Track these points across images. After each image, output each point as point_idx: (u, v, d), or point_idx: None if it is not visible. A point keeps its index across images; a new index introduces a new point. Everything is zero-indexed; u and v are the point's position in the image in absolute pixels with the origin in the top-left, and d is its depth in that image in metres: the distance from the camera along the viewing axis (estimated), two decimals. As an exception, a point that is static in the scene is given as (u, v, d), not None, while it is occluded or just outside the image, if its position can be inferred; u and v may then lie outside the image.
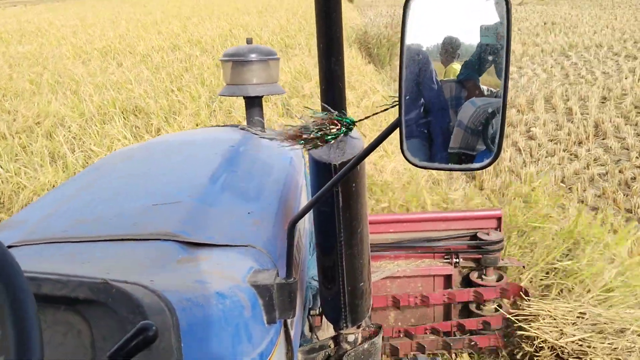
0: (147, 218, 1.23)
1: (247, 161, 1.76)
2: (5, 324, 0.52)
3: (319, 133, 1.00)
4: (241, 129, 2.16)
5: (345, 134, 1.03)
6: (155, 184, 1.50)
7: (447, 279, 3.13)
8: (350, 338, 1.50)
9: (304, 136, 1.00)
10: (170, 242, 1.11)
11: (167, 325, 0.74)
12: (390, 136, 1.05)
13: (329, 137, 1.01)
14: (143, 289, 0.79)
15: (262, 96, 2.20)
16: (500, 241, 3.02)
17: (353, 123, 1.04)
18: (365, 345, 1.49)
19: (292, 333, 1.26)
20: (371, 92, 8.15)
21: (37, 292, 0.72)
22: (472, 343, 3.04)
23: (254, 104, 2.20)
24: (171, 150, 1.89)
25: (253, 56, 2.10)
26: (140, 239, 1.12)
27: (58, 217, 1.28)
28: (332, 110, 1.02)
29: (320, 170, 1.25)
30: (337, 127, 1.01)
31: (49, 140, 6.38)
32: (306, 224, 1.85)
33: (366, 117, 1.09)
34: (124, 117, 7.18)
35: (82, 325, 0.77)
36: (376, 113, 1.04)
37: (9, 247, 1.10)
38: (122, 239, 1.12)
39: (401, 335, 3.07)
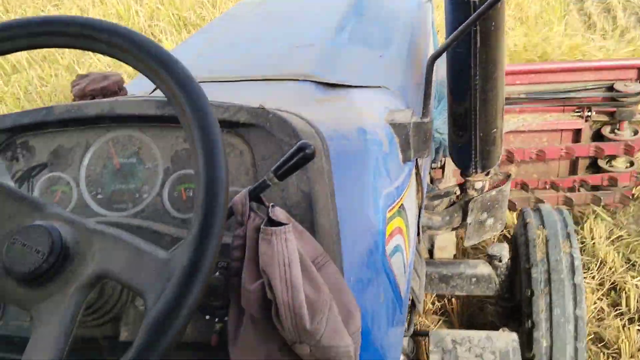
0: (284, 60, 1.28)
1: (374, 6, 1.73)
2: (194, 144, 0.58)
3: None
4: None
5: None
6: (289, 28, 1.54)
7: (576, 133, 2.96)
8: (478, 185, 1.50)
9: None
10: (307, 83, 1.15)
11: (319, 149, 0.80)
12: None
13: None
14: (295, 116, 0.84)
15: None
16: (639, 93, 2.76)
17: None
18: (493, 192, 1.50)
19: (422, 175, 1.29)
20: None
21: None
22: (595, 199, 2.93)
23: None
24: None
25: None
26: (280, 79, 1.16)
27: (204, 58, 1.36)
28: None
29: (458, 8, 1.18)
30: None
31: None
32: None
33: None
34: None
35: (243, 146, 0.84)
36: None
37: None
38: (263, 79, 1.18)
39: (519, 189, 3.03)
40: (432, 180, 2.00)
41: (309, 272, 0.71)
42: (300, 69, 1.20)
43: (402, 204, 1.07)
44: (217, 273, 0.77)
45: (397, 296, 1.04)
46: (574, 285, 1.58)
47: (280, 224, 0.70)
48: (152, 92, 1.21)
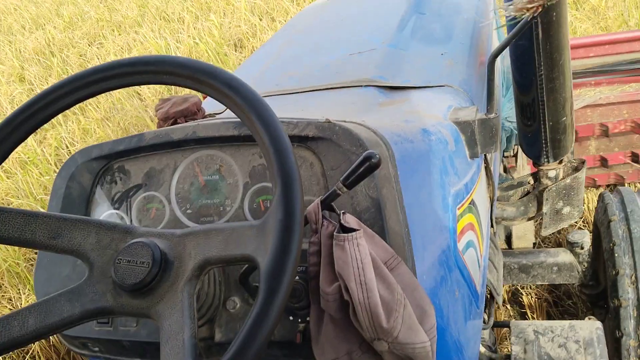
0: (347, 67, 1.32)
1: (434, 2, 1.72)
2: (270, 157, 0.65)
3: None
4: None
5: None
6: (349, 34, 1.56)
7: (659, 103, 2.80)
8: (551, 174, 1.48)
9: None
10: (370, 88, 1.19)
11: (384, 156, 0.84)
12: None
13: None
14: (360, 126, 0.89)
15: None
16: None
17: None
18: (568, 180, 1.47)
19: (492, 169, 1.30)
20: None
21: None
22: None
23: None
24: (359, 0, 1.90)
25: None
26: (343, 87, 1.21)
27: (270, 72, 1.43)
28: None
29: None
30: None
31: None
32: (498, 64, 1.79)
33: None
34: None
35: (313, 158, 0.90)
36: None
37: None
38: (328, 88, 1.22)
39: (598, 165, 2.90)
40: (505, 169, 1.97)
41: (382, 273, 0.76)
42: (363, 75, 1.24)
43: (472, 200, 1.09)
44: (297, 277, 0.83)
45: (472, 291, 1.06)
46: None
47: (351, 229, 0.75)
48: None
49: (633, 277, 1.51)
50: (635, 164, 2.85)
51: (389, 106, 1.12)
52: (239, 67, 1.72)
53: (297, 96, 1.25)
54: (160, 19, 5.94)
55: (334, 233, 0.76)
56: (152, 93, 4.51)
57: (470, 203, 1.07)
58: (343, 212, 0.78)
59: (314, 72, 1.35)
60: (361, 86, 1.20)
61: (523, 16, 0.96)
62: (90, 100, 4.56)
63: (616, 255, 1.55)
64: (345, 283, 0.74)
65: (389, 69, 1.27)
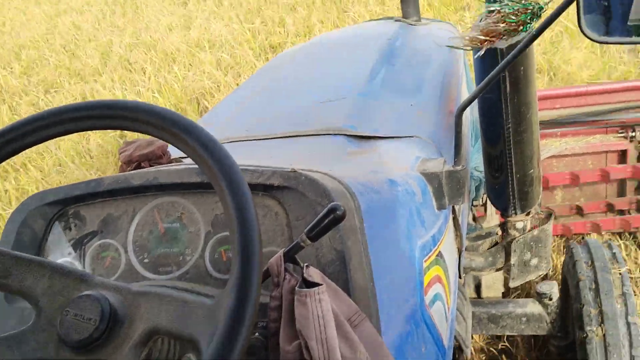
0: (317, 115, 1.32)
1: (405, 53, 1.74)
2: (227, 206, 0.62)
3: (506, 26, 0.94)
4: (396, 20, 2.11)
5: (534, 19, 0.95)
6: (321, 82, 1.57)
7: (622, 154, 2.88)
8: (519, 225, 1.49)
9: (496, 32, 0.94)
10: (340, 136, 1.19)
11: (350, 208, 0.82)
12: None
13: (519, 28, 0.94)
14: (327, 176, 0.88)
15: None
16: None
17: (541, 9, 0.95)
18: (535, 232, 1.48)
19: (460, 220, 1.29)
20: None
21: None
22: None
23: None
24: (331, 48, 1.94)
25: None
26: (313, 135, 1.20)
27: (240, 118, 1.42)
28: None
29: (485, 56, 1.19)
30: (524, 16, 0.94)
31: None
32: (467, 114, 1.82)
33: (550, 14, 0.94)
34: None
35: (278, 208, 0.87)
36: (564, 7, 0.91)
37: None
38: (297, 136, 1.22)
39: (573, 213, 2.95)
40: (474, 218, 1.98)
41: (345, 331, 0.73)
42: (333, 123, 1.24)
43: (439, 252, 1.08)
44: (257, 333, 0.80)
45: (439, 346, 1.03)
46: (628, 324, 1.53)
47: (314, 284, 0.73)
48: None
49: (601, 343, 1.50)
50: (610, 213, 2.91)
51: (357, 156, 1.11)
52: (209, 110, 1.71)
53: (267, 142, 1.24)
54: (122, 68, 5.83)
55: (296, 288, 0.73)
56: (100, 152, 4.37)
57: (437, 255, 1.06)
58: (307, 265, 0.75)
59: (285, 119, 1.35)
60: (330, 134, 1.20)
61: (478, 48, 0.98)
62: (35, 156, 4.41)
63: (585, 318, 1.55)
64: (306, 341, 0.70)
65: (358, 118, 1.27)
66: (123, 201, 0.97)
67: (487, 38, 0.95)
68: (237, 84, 4.79)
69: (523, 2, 0.93)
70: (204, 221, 0.92)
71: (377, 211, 0.91)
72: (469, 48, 0.98)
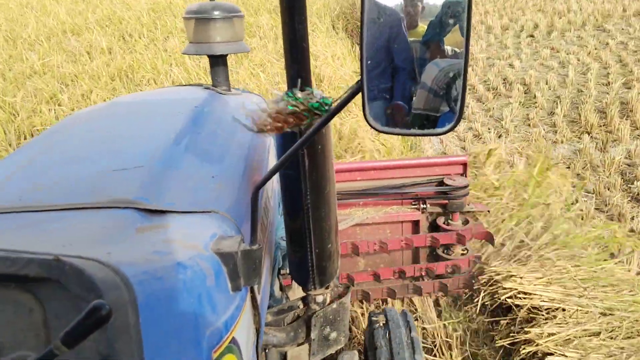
0: (106, 184, 1.18)
1: (212, 122, 1.69)
2: None
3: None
4: (206, 88, 2.08)
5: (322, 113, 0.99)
6: (117, 147, 1.43)
7: (415, 224, 3.18)
8: (319, 299, 1.51)
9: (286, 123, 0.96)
10: (129, 210, 1.07)
11: (123, 301, 0.72)
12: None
13: (307, 120, 0.98)
14: (98, 264, 0.75)
15: (226, 55, 2.12)
16: (466, 186, 3.06)
17: (329, 105, 1.00)
18: (334, 305, 1.50)
19: (259, 298, 1.25)
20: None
21: None
22: (442, 286, 3.12)
23: (218, 62, 2.11)
24: (133, 110, 1.80)
25: (216, 13, 2.00)
26: (98, 207, 1.07)
27: (13, 183, 1.22)
28: (300, 96, 0.98)
29: (285, 135, 1.21)
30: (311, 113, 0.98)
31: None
32: (274, 185, 1.83)
33: (340, 101, 1.01)
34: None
35: (33, 303, 0.74)
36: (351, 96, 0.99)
37: None
38: (79, 208, 1.07)
39: (372, 280, 3.13)
40: (281, 287, 1.97)
41: None
42: (123, 194, 1.12)
43: (232, 338, 1.01)
44: None
45: None
46: None
47: None
48: None
49: None
50: (402, 280, 3.14)
51: (146, 232, 1.01)
52: None
53: (41, 215, 1.06)
54: None
55: None
56: None
57: (230, 341, 0.99)
58: None
59: (68, 187, 1.19)
60: (119, 207, 1.08)
61: (265, 133, 1.00)
62: None
63: None
64: None
65: (152, 190, 1.17)
66: None
67: (275, 124, 0.96)
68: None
69: (308, 101, 0.98)
70: None
71: (159, 302, 0.81)
72: (255, 130, 0.98)
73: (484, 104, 7.40)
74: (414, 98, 1.07)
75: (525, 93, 7.56)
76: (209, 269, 0.96)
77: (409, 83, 1.05)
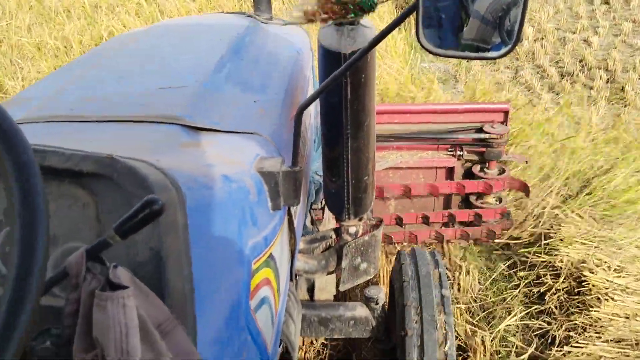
0: (153, 100, 1.21)
1: (253, 50, 1.69)
2: (11, 192, 0.52)
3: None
4: (248, 16, 2.06)
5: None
6: (162, 67, 1.46)
7: (450, 171, 3.14)
8: (352, 230, 1.52)
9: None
10: (174, 126, 1.10)
11: (172, 202, 0.74)
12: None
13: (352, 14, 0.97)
14: (149, 165, 0.78)
15: None
16: (505, 134, 2.99)
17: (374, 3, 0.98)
18: (366, 238, 1.52)
19: (295, 222, 1.27)
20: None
21: (41, 164, 0.71)
22: (464, 234, 3.11)
23: None
24: (178, 34, 1.82)
25: None
26: (145, 121, 1.10)
27: (65, 95, 1.26)
28: None
29: (330, 59, 1.20)
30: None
31: None
32: (311, 119, 1.82)
33: (392, 22, 0.99)
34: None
35: (87, 198, 0.76)
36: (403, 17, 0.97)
37: None
38: (128, 121, 1.10)
39: (394, 223, 3.14)
40: (312, 221, 2.00)
41: (151, 340, 0.65)
42: (169, 111, 1.14)
43: (270, 254, 1.04)
44: (48, 342, 0.68)
45: (262, 352, 0.99)
46: (445, 323, 1.64)
47: (120, 286, 0.64)
48: None
49: (419, 340, 1.59)
50: (425, 225, 3.15)
51: (191, 147, 1.03)
52: (31, 85, 1.50)
53: (92, 125, 1.10)
54: None
55: (96, 291, 0.63)
56: None
57: (268, 257, 1.02)
58: (115, 265, 0.66)
59: (117, 101, 1.22)
60: (165, 122, 1.10)
61: (299, 24, 1.00)
62: None
63: (406, 316, 1.63)
64: (103, 351, 0.61)
65: (197, 109, 1.19)
66: None
67: (322, 16, 0.96)
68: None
69: None
70: None
71: (207, 208, 0.84)
72: (305, 21, 0.98)
73: (558, 94, 5.21)
74: (464, 27, 1.04)
75: (608, 82, 5.38)
76: (252, 186, 0.99)
77: (462, 8, 1.02)
